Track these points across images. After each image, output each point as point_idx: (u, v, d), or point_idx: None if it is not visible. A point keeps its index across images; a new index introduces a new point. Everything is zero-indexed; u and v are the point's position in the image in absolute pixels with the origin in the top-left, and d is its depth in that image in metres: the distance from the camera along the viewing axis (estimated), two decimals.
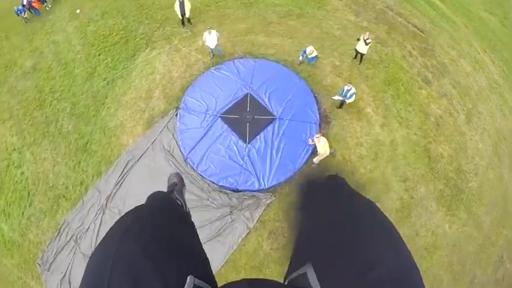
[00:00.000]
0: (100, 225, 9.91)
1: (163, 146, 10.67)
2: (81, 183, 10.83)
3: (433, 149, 10.95)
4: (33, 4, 16.18)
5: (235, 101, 10.63)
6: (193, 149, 10.05)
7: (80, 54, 14.18)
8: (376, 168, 10.51)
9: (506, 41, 14.70)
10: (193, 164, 9.90)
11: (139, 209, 0.98)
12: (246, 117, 10.34)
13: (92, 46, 14.06)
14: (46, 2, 16.60)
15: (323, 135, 9.90)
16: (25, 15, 15.64)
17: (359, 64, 12.31)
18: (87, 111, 12.42)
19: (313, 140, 9.98)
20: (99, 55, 13.59)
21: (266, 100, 10.65)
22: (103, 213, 10.14)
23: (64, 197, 10.65)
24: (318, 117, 10.57)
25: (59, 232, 9.98)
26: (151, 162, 10.69)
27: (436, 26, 14.48)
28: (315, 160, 10.02)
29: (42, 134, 12.09)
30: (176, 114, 10.73)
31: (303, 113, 10.50)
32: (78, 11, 15.92)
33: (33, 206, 10.61)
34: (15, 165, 11.46)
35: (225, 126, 10.30)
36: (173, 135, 10.58)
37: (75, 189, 10.77)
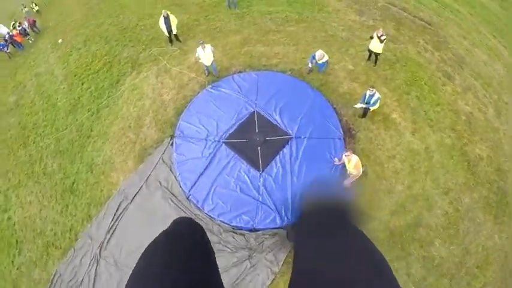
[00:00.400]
0: (95, 278, 7.85)
1: (160, 183, 8.32)
2: (70, 229, 8.80)
3: (470, 151, 9.11)
4: (15, 38, 14.52)
5: (240, 121, 8.34)
6: (195, 183, 7.69)
7: (63, 85, 12.15)
8: (415, 182, 8.46)
9: (509, 24, 13.41)
10: (198, 202, 7.54)
11: (168, 242, 0.79)
12: (255, 140, 8.02)
13: (75, 75, 12.03)
14: (29, 35, 14.87)
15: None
16: (8, 51, 14.24)
17: (374, 66, 10.33)
18: (71, 147, 10.34)
19: (340, 160, 7.69)
20: (82, 84, 11.49)
21: (277, 117, 8.36)
22: (97, 264, 7.96)
23: (53, 245, 8.70)
24: (341, 130, 8.23)
25: (51, 284, 8.02)
26: (147, 202, 8.38)
27: (441, 17, 12.76)
28: (346, 183, 7.69)
29: (26, 174, 10.09)
30: (172, 144, 8.40)
31: (323, 128, 8.23)
32: (60, 40, 14.06)
33: (22, 254, 8.81)
34: (1, 209, 9.65)
35: (232, 153, 7.96)
36: (170, 169, 8.24)
37: (65, 236, 8.74)
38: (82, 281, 7.80)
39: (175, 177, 8.16)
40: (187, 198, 7.79)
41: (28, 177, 9.91)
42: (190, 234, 0.85)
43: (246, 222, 7.23)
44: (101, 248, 8.03)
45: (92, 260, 7.94)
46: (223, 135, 8.19)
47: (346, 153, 7.33)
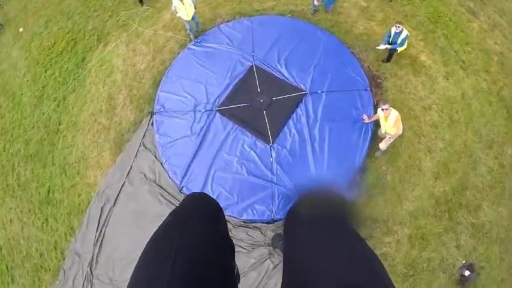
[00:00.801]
0: None
1: (145, 175, 6.16)
2: (55, 247, 7.14)
3: (508, 97, 7.44)
4: None
5: (236, 81, 5.98)
6: (188, 170, 5.44)
7: (26, 77, 9.89)
8: (456, 136, 6.68)
9: None
10: None
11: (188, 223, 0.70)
12: (259, 102, 5.68)
13: (38, 63, 9.70)
14: None
15: (379, 104, 5.49)
16: None
17: (390, 1, 7.91)
18: (41, 147, 8.39)
19: (370, 117, 5.46)
20: (45, 71, 9.21)
21: (283, 70, 5.98)
22: (91, 285, 6.26)
23: (42, 267, 7.19)
24: (367, 79, 5.85)
25: None
26: (133, 202, 6.41)
27: None
28: (382, 146, 5.64)
29: (2, 189, 8.30)
30: (152, 123, 6.00)
31: (343, 77, 5.90)
32: (21, 29, 11.52)
33: (15, 282, 7.47)
34: None
35: (230, 123, 5.64)
36: (155, 155, 5.99)
37: (51, 256, 7.14)
38: None
39: (162, 165, 5.87)
40: (181, 191, 5.54)
41: (4, 192, 8.17)
42: (189, 204, 0.78)
43: (261, 213, 5.01)
44: (90, 265, 6.30)
45: (84, 281, 6.28)
46: (216, 102, 5.83)
47: (384, 107, 5.17)
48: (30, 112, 8.89)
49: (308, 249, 0.66)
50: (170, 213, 0.73)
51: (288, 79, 5.93)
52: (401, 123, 5.45)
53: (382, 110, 5.17)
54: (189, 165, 5.51)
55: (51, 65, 9.08)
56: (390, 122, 5.25)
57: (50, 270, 6.96)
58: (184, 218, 0.71)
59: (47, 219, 7.42)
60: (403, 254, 5.78)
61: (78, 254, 6.52)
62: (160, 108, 6.05)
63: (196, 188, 5.37)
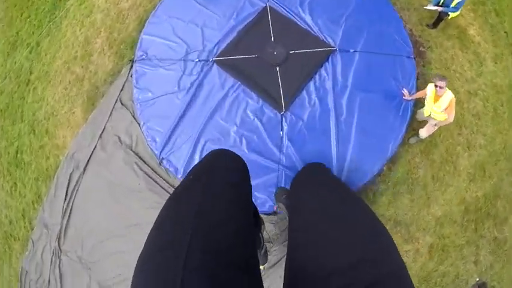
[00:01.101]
0: (61, 278, 5.28)
1: (119, 138, 4.73)
2: (23, 216, 6.10)
3: None
4: None
5: (244, 25, 4.27)
6: (170, 138, 3.89)
7: (3, 22, 8.31)
8: (498, 134, 5.36)
9: None
10: (177, 171, 3.79)
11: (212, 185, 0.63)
12: (272, 55, 4.03)
13: (15, 6, 8.02)
14: None
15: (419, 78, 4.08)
16: None
17: None
18: (11, 101, 7.05)
19: (411, 93, 3.99)
20: (21, 14, 7.65)
21: (307, 17, 4.30)
22: (59, 261, 5.22)
23: (11, 235, 6.23)
24: (411, 44, 4.21)
25: (21, 283, 5.75)
26: (105, 169, 5.11)
27: None
28: (423, 134, 4.51)
29: None
30: (132, 75, 4.38)
31: (382, 37, 4.31)
32: None
33: None
34: None
35: (231, 79, 4.04)
36: (133, 115, 4.39)
37: (20, 224, 6.13)
38: (49, 281, 5.33)
39: (140, 128, 4.30)
40: (160, 164, 4.00)
41: None
42: (209, 164, 0.70)
43: (261, 203, 3.58)
44: (58, 239, 5.23)
45: (52, 256, 5.30)
46: (215, 50, 4.19)
47: (440, 83, 3.61)
48: (3, 61, 7.34)
49: (314, 217, 0.60)
50: (190, 172, 0.65)
51: (312, 29, 4.27)
52: (454, 110, 3.88)
53: (436, 86, 3.60)
54: (173, 131, 3.99)
55: (27, 7, 7.41)
56: (442, 105, 3.76)
57: (19, 239, 5.84)
58: (205, 180, 0.62)
59: (15, 183, 6.21)
60: (420, 265, 4.76)
61: (46, 226, 5.39)
62: (142, 55, 4.42)
63: (180, 161, 3.88)
